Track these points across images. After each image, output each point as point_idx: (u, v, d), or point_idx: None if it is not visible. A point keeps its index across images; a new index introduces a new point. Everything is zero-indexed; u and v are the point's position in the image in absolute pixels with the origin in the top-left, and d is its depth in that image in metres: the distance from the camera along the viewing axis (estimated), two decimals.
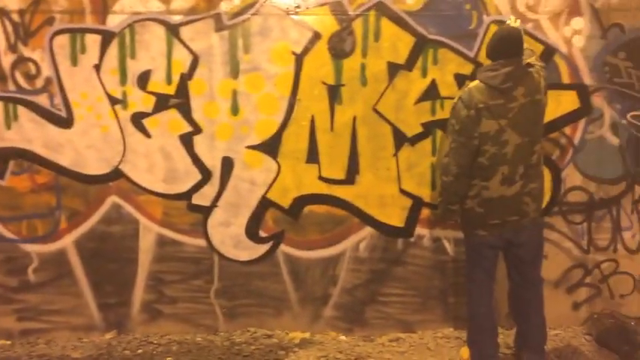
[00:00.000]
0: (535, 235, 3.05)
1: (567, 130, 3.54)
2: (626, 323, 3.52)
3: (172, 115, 3.48)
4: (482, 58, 3.37)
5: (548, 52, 3.41)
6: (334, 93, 3.47)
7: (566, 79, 3.45)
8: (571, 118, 3.52)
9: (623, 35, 3.44)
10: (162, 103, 3.47)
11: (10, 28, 3.43)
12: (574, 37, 3.43)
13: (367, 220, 3.57)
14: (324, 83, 3.46)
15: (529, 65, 2.90)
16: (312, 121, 3.49)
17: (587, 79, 3.46)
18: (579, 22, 3.43)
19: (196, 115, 3.48)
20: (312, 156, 3.52)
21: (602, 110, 3.50)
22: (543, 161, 3.03)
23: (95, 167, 3.51)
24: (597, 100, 3.48)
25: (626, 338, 3.39)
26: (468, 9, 3.40)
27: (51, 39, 3.42)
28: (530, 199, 2.93)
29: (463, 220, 3.12)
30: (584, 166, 3.56)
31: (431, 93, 3.47)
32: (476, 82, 2.92)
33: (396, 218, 3.58)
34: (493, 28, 3.38)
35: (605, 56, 3.45)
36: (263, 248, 3.59)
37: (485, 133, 2.85)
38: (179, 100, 3.47)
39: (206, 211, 3.55)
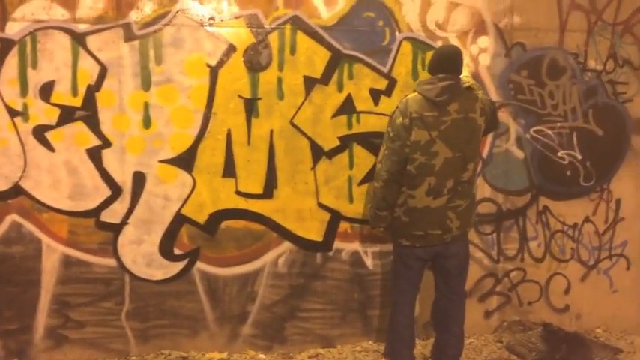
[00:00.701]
0: (462, 249, 3.19)
1: None
2: (533, 330, 3.76)
3: (79, 128, 3.35)
4: (396, 73, 3.56)
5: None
6: (251, 106, 3.48)
7: None
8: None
9: (525, 54, 3.69)
10: (67, 115, 3.33)
11: None
12: (480, 55, 3.65)
13: (285, 234, 3.59)
14: (241, 96, 3.46)
15: (470, 88, 3.09)
16: (229, 135, 3.47)
17: (494, 96, 3.67)
18: (485, 41, 3.65)
19: (105, 128, 3.37)
20: (229, 170, 3.49)
21: (507, 125, 3.73)
22: None
23: None
24: (503, 116, 3.69)
25: (534, 345, 3.63)
26: (381, 25, 3.53)
27: None
28: (454, 216, 3.05)
29: (391, 228, 3.21)
30: (492, 179, 3.76)
31: (347, 107, 3.55)
32: (414, 94, 3.07)
33: (314, 232, 3.62)
34: (405, 45, 3.54)
35: (510, 74, 3.69)
36: (178, 266, 3.51)
37: (416, 142, 2.98)
38: (86, 113, 3.34)
39: (116, 229, 3.43)
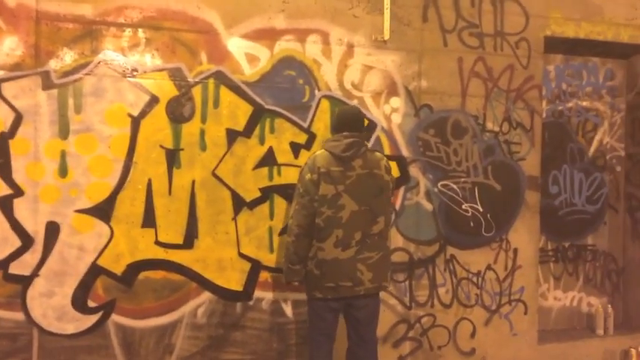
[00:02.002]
0: (373, 300, 3.37)
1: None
2: None
3: None
4: (315, 128, 3.86)
5: (371, 127, 3.97)
6: (173, 157, 3.63)
7: (387, 150, 4.02)
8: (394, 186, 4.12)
9: (432, 115, 4.14)
10: None
11: None
12: (392, 114, 4.05)
13: (206, 284, 3.70)
14: (162, 147, 3.61)
15: (373, 151, 3.41)
16: (149, 185, 3.59)
17: (405, 152, 4.08)
18: (397, 102, 4.06)
19: (18, 177, 3.38)
20: (149, 220, 3.59)
21: (417, 179, 4.12)
22: None
23: None
24: (414, 170, 4.10)
25: None
26: (301, 83, 3.84)
27: None
28: (364, 268, 3.23)
29: (304, 281, 3.37)
30: (404, 229, 4.11)
31: (268, 159, 3.80)
32: (321, 151, 3.32)
33: (234, 282, 3.75)
34: (324, 102, 3.87)
35: (419, 132, 4.11)
36: (91, 319, 3.50)
37: (323, 196, 3.20)
38: None
39: (25, 281, 3.39)
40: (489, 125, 4.29)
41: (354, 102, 3.93)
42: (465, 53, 4.20)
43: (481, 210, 4.31)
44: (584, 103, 4.90)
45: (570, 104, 4.86)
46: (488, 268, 4.34)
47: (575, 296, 4.93)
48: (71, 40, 3.47)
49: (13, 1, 3.38)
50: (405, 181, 4.09)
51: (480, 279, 4.32)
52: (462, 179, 4.24)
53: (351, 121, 3.36)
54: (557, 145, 4.84)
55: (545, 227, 4.67)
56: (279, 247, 3.81)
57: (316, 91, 3.89)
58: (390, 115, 4.05)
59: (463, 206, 4.26)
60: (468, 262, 4.29)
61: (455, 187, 4.22)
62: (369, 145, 3.90)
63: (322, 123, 3.89)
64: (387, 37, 4.00)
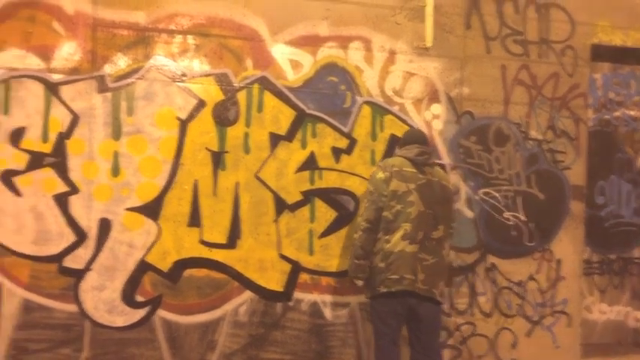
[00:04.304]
0: (433, 305, 3.60)
1: None
2: None
3: (47, 174, 3.72)
4: (356, 134, 4.15)
5: None
6: (218, 159, 3.97)
7: None
8: None
9: (474, 122, 4.38)
10: (36, 161, 3.71)
11: None
12: (433, 120, 4.31)
13: (247, 284, 4.00)
14: (208, 149, 3.95)
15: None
16: (195, 186, 3.93)
17: (446, 158, 4.32)
18: (438, 108, 4.32)
19: (73, 175, 3.77)
20: (194, 219, 3.92)
21: (458, 186, 4.36)
22: None
23: None
24: (454, 177, 4.33)
25: None
26: (343, 89, 4.14)
27: None
28: (419, 268, 3.50)
29: (368, 281, 3.63)
30: None
31: (310, 163, 4.10)
32: (394, 157, 3.73)
33: (275, 282, 4.05)
34: (365, 108, 4.16)
35: (460, 139, 4.35)
36: (139, 313, 3.84)
37: (394, 191, 3.55)
38: (55, 159, 3.74)
39: (79, 275, 3.77)
40: (533, 133, 4.50)
41: (396, 108, 4.22)
42: (508, 60, 4.45)
43: (523, 219, 4.50)
44: (632, 113, 5.04)
45: (617, 113, 5.01)
46: (530, 278, 4.51)
47: (621, 310, 5.05)
48: (125, 46, 3.87)
49: (72, 9, 3.79)
50: None
51: (521, 289, 4.51)
52: (504, 187, 4.45)
53: (419, 138, 3.81)
54: (604, 155, 4.98)
55: (590, 239, 4.82)
56: (320, 249, 4.10)
57: (357, 97, 4.18)
58: (431, 121, 4.31)
59: (505, 215, 4.46)
60: (509, 271, 4.48)
61: (496, 195, 4.44)
62: None
63: (363, 129, 4.17)
64: (429, 44, 4.28)
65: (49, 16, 3.77)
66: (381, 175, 3.63)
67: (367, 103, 4.20)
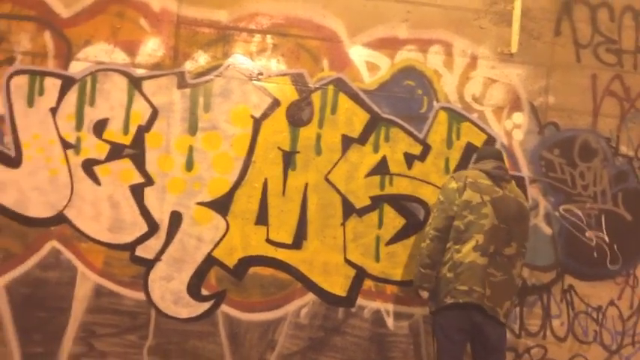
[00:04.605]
0: (499, 324, 3.45)
1: None
2: None
3: (125, 165, 3.88)
4: (431, 140, 4.04)
5: (490, 142, 4.07)
6: (289, 159, 3.99)
7: None
8: None
9: (558, 133, 4.15)
10: (116, 152, 3.87)
11: None
12: (514, 130, 4.12)
13: (310, 286, 3.99)
14: (280, 149, 3.98)
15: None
16: (265, 184, 3.96)
17: (525, 171, 4.12)
18: (519, 117, 4.13)
19: (150, 167, 3.89)
20: (262, 218, 3.96)
21: (537, 201, 4.15)
22: None
23: (38, 210, 3.83)
24: (533, 191, 4.13)
25: None
26: (419, 94, 4.05)
27: (9, 78, 3.82)
28: (487, 283, 3.35)
29: (433, 292, 3.53)
30: None
31: (381, 168, 4.03)
32: (468, 169, 3.67)
33: (338, 287, 4.01)
34: (442, 114, 4.04)
35: (542, 151, 4.14)
36: (203, 306, 3.92)
37: (467, 201, 3.45)
38: (134, 151, 3.88)
39: (149, 264, 3.89)
40: (623, 149, 4.21)
41: (474, 116, 4.07)
42: (599, 70, 4.18)
43: (607, 240, 4.22)
44: None
45: None
46: (611, 303, 4.23)
47: None
48: (206, 44, 3.96)
49: (158, 6, 3.93)
50: None
51: (600, 314, 4.23)
52: (588, 205, 4.19)
53: (494, 153, 3.74)
54: None
55: None
56: (386, 257, 4.02)
57: (434, 103, 4.07)
58: (512, 131, 4.13)
59: (587, 234, 4.20)
60: (588, 294, 4.21)
61: (579, 212, 4.19)
62: None
63: (438, 135, 4.06)
64: (514, 49, 4.11)
65: (137, 13, 3.93)
66: (453, 184, 3.54)
67: (444, 108, 4.08)
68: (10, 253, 3.82)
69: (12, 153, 3.83)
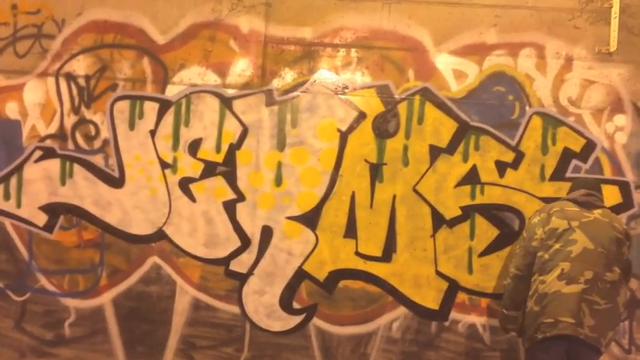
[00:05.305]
0: (595, 354, 3.23)
1: None
2: None
3: (218, 182, 4.04)
4: (524, 147, 3.88)
5: (589, 147, 3.85)
6: (376, 171, 3.98)
7: (608, 173, 3.85)
8: (613, 212, 3.83)
9: None
10: (209, 170, 4.05)
11: (75, 92, 4.15)
12: (616, 133, 3.87)
13: (401, 299, 3.95)
14: (367, 161, 3.98)
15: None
16: (353, 197, 3.98)
17: (630, 175, 3.86)
18: (622, 119, 3.88)
19: (241, 184, 4.03)
20: (351, 231, 3.97)
21: None
22: None
23: (140, 227, 4.08)
24: (639, 197, 3.93)
25: None
26: (510, 99, 3.90)
27: (112, 104, 4.11)
28: (588, 311, 3.14)
29: (524, 329, 3.41)
30: None
31: (471, 178, 3.93)
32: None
33: (430, 300, 3.94)
34: (535, 119, 3.88)
35: None
36: (295, 320, 3.99)
37: (553, 229, 3.32)
38: (226, 169, 4.04)
39: (242, 278, 4.02)
40: None
41: (571, 119, 3.87)
42: None
43: None
44: None
45: None
46: None
47: None
48: (292, 61, 4.06)
49: (247, 28, 4.08)
50: (627, 208, 3.85)
51: None
52: None
53: (589, 184, 3.60)
54: None
55: None
56: (479, 269, 3.90)
57: (527, 108, 3.91)
58: (614, 134, 3.89)
59: None
60: None
61: None
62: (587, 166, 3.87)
63: (532, 141, 3.89)
64: (613, 48, 3.87)
65: (227, 35, 4.10)
66: (536, 219, 3.46)
67: (538, 113, 3.90)
68: (116, 269, 4.09)
69: (116, 174, 4.12)
